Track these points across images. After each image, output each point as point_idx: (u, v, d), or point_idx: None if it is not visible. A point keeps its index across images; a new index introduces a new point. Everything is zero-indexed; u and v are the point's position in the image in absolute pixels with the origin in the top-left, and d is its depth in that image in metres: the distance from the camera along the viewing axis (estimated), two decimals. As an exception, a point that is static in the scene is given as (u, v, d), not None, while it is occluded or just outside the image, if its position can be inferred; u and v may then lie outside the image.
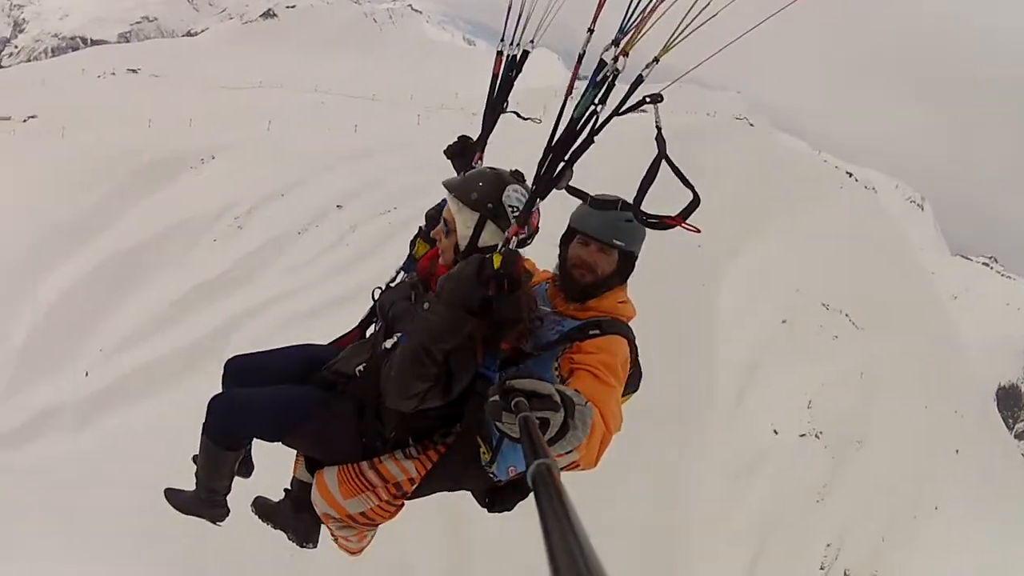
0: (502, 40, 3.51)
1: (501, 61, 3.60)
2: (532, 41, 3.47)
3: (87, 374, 18.78)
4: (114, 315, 20.99)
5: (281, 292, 16.49)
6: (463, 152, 3.84)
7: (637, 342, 3.16)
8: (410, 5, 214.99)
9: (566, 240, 3.15)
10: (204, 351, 14.74)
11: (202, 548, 13.60)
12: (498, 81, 3.66)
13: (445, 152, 3.84)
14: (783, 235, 28.84)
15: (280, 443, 3.28)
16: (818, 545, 21.54)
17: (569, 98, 2.79)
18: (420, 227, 3.55)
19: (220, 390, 3.39)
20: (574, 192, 3.05)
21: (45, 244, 22.39)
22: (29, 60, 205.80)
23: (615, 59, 2.54)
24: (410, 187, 21.36)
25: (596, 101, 2.64)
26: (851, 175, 49.95)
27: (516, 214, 2.90)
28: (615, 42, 2.54)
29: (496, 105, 3.74)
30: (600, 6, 2.67)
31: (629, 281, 3.31)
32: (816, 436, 21.00)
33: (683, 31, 2.46)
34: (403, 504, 3.21)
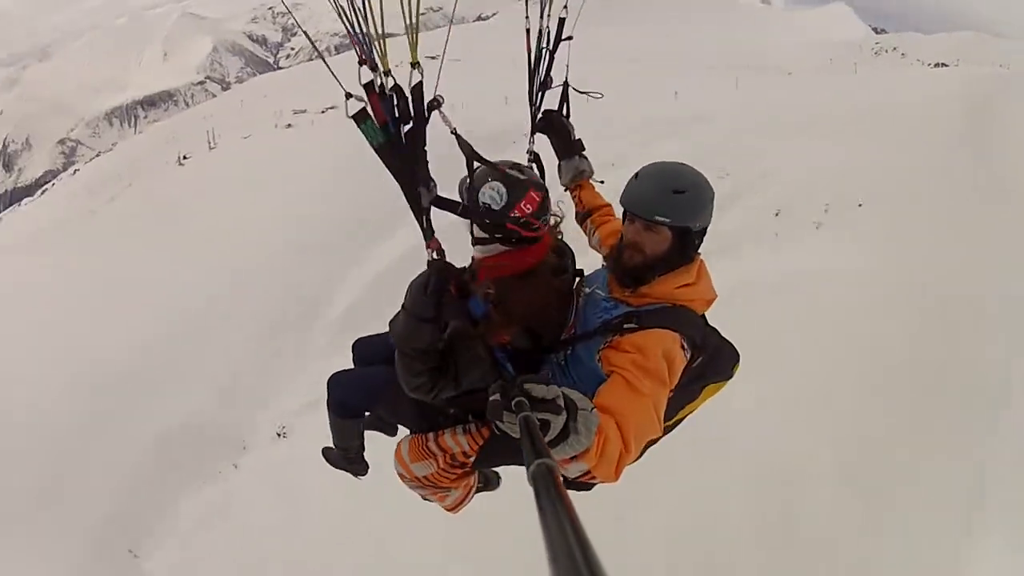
0: (526, 17, 3.82)
1: (530, 38, 3.88)
2: (565, 7, 3.87)
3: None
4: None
5: None
6: (551, 126, 4.21)
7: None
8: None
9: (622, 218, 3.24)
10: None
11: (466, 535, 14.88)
12: (533, 57, 3.93)
13: (537, 130, 4.17)
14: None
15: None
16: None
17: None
18: None
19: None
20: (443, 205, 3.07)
21: (366, 222, 24.73)
22: (310, 59, 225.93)
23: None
24: (742, 152, 21.24)
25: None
26: None
27: (489, 210, 3.17)
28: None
29: (542, 85, 4.02)
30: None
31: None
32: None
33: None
34: (464, 472, 3.67)
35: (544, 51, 3.93)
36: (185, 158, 37.61)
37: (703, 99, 32.49)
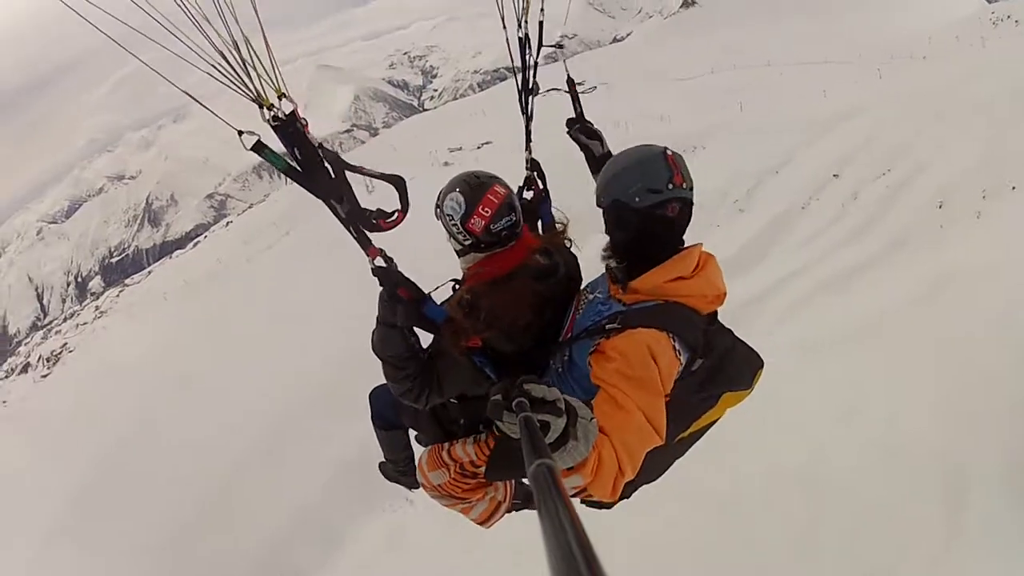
0: (503, 27, 3.96)
1: (511, 47, 4.04)
2: (542, 9, 4.00)
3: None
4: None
5: (795, 269, 17.08)
6: (578, 141, 4.26)
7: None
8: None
9: None
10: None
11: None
12: (520, 67, 4.09)
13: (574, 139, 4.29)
14: None
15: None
16: None
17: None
18: None
19: None
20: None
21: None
22: (455, 98, 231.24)
23: None
24: (898, 145, 21.27)
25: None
26: None
27: (453, 222, 3.45)
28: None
29: (528, 91, 4.16)
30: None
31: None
32: None
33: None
34: (479, 483, 3.72)
35: (528, 58, 4.07)
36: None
37: (851, 94, 32.43)
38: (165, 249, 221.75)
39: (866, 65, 43.51)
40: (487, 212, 3.33)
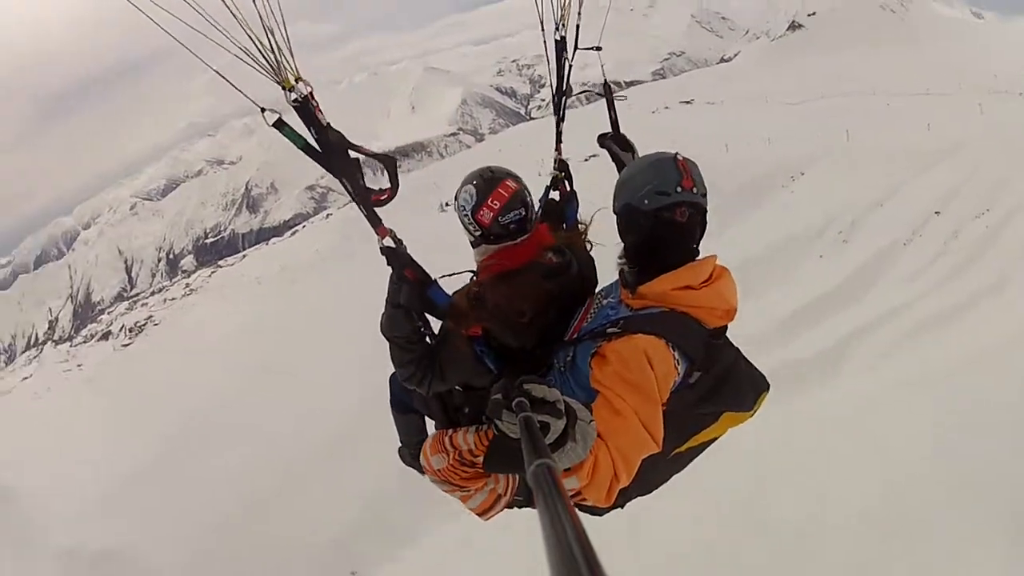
0: (542, 30, 4.12)
1: (548, 48, 4.24)
2: (580, 12, 4.13)
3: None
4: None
5: (899, 305, 17.06)
6: (611, 152, 4.40)
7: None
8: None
9: None
10: (823, 364, 15.18)
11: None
12: (555, 67, 4.31)
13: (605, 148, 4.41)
14: None
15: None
16: None
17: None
18: None
19: None
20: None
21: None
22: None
23: None
24: (998, 182, 21.66)
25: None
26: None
27: (465, 213, 3.56)
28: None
29: (562, 92, 4.40)
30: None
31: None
32: None
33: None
34: (477, 473, 3.66)
35: (565, 61, 4.24)
36: (447, 205, 40.11)
37: (954, 128, 32.20)
38: (262, 235, 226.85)
39: (967, 98, 43.19)
40: (496, 205, 3.44)
